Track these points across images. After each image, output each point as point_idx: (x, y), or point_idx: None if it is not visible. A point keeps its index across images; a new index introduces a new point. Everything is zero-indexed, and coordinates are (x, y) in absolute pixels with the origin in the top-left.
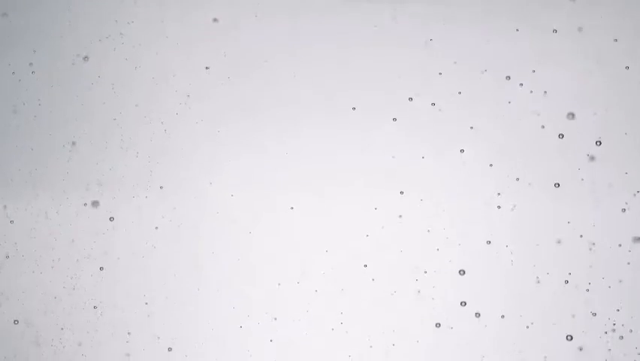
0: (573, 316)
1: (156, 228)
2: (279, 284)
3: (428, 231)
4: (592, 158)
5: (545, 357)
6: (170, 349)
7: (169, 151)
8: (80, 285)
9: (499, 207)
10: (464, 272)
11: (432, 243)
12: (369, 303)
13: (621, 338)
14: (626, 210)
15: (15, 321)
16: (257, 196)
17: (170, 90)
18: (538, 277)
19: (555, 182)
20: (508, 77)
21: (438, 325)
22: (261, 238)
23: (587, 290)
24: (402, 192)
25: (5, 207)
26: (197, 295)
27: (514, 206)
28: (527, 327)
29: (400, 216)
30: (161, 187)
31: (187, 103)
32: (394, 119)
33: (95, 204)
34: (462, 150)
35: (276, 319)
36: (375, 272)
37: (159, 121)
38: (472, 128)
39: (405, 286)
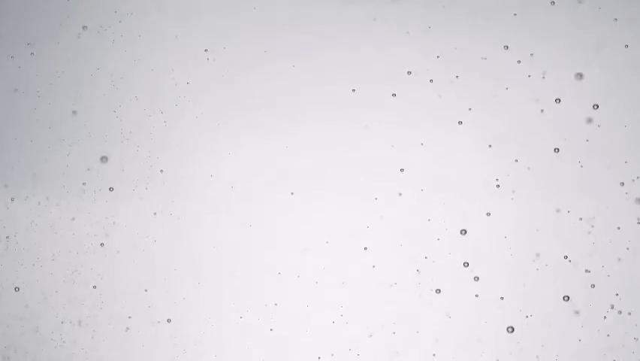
0: (571, 296)
1: (156, 221)
2: (279, 273)
3: (429, 220)
4: (590, 142)
5: (543, 345)
6: (168, 329)
7: (169, 144)
8: (80, 278)
9: (498, 186)
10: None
11: (432, 232)
12: (370, 293)
13: (619, 312)
14: (626, 193)
15: (15, 313)
16: (257, 188)
17: (170, 83)
18: (537, 255)
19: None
20: (507, 62)
21: (438, 290)
22: (261, 230)
23: (587, 271)
24: (401, 172)
25: (6, 191)
26: (198, 288)
27: (514, 192)
28: (527, 317)
29: (400, 205)
30: (161, 180)
31: (186, 95)
32: (393, 96)
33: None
34: (460, 123)
35: (276, 305)
36: (376, 261)
37: (159, 113)
38: (470, 109)
39: (405, 276)
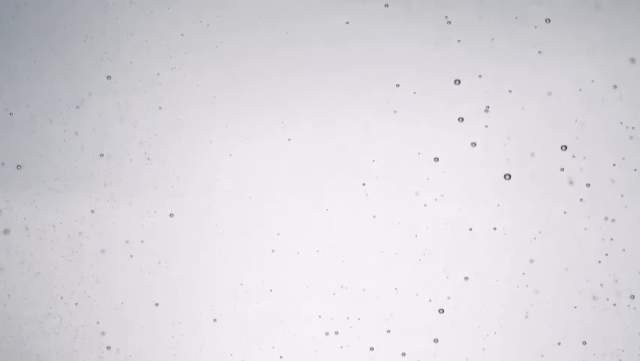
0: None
1: (156, 194)
2: (278, 234)
3: (427, 179)
4: (583, 91)
5: (526, 312)
6: (167, 304)
7: (166, 120)
8: (80, 258)
9: (486, 126)
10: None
11: (430, 197)
12: (371, 261)
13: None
14: (621, 124)
15: (11, 295)
16: (255, 162)
17: (165, 55)
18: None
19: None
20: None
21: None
22: (260, 201)
23: (581, 199)
24: (396, 116)
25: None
26: (198, 264)
27: (508, 140)
28: (531, 292)
29: (396, 160)
30: (159, 157)
31: (182, 68)
32: (389, 68)
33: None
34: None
35: (274, 255)
36: (377, 225)
37: (155, 89)
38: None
39: (405, 244)
